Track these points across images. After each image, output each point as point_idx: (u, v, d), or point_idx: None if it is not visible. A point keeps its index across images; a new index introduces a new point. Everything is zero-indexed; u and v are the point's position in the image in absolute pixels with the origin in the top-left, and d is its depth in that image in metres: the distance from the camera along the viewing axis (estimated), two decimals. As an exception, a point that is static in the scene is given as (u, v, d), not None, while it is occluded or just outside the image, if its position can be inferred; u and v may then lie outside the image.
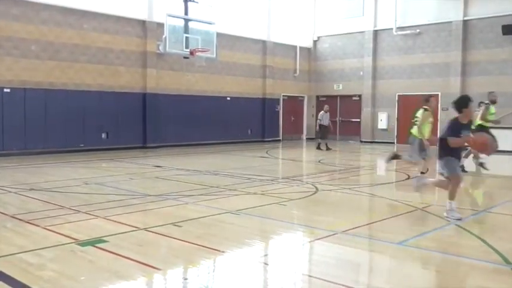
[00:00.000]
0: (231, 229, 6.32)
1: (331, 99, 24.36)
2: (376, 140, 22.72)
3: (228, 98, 21.24)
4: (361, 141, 23.02)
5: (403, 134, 22.01)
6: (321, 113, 18.90)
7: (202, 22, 18.29)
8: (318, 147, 18.73)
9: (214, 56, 18.47)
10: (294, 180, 10.80)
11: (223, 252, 5.24)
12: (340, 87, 24.13)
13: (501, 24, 18.83)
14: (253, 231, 6.31)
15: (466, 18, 19.96)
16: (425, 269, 4.78)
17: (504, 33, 18.76)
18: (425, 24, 21.04)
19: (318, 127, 18.92)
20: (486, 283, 4.43)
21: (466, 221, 6.80)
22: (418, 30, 21.23)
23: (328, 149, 18.42)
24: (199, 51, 17.65)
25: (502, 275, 4.63)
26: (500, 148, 16.77)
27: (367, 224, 6.73)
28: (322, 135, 18.90)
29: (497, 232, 6.27)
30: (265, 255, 5.38)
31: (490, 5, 19.34)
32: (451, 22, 20.27)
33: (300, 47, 24.39)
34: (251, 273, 4.75)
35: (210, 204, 7.73)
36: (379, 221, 6.86)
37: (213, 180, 10.46)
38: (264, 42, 22.70)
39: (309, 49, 25.02)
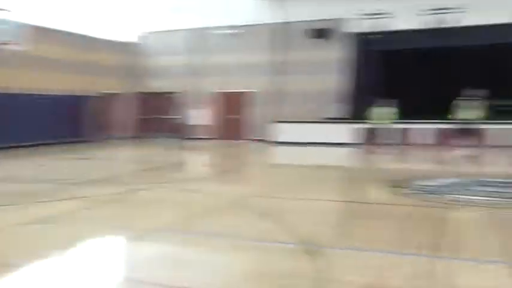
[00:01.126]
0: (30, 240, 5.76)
1: (152, 96, 24.11)
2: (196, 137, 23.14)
3: (39, 96, 19.19)
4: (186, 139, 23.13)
5: (226, 130, 22.93)
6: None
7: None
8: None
9: (23, 49, 16.70)
10: (107, 181, 10.39)
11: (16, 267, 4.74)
12: (162, 84, 23.95)
13: (312, 28, 20.60)
14: (60, 240, 5.81)
15: (280, 21, 21.43)
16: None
17: (310, 37, 20.64)
18: (245, 25, 21.99)
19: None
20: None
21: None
22: (236, 31, 22.14)
23: None
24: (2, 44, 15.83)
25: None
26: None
27: (184, 221, 6.76)
28: None
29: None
30: (78, 263, 4.96)
31: (303, 9, 20.86)
32: (267, 24, 21.63)
33: (123, 42, 23.68)
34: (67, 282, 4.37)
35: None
36: (191, 216, 6.96)
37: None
38: (83, 36, 21.40)
39: (132, 44, 24.35)
